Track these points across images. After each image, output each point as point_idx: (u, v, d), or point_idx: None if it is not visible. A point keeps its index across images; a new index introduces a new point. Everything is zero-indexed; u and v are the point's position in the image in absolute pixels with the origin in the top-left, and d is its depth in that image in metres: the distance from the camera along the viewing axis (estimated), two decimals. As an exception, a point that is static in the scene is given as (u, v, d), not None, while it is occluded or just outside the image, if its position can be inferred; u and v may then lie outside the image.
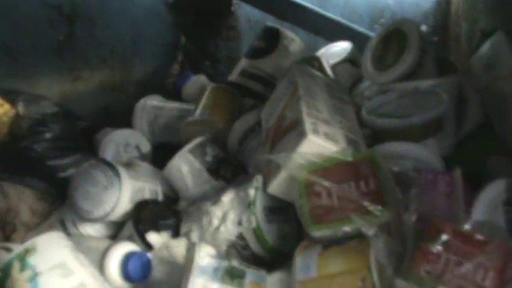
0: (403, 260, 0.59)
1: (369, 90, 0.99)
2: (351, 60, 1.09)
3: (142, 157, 1.04)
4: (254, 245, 0.74)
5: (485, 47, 0.89)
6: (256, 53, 1.04)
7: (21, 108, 0.95)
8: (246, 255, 0.75)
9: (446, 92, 0.82)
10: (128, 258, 0.71)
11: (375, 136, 0.82)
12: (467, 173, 0.78)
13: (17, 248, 0.62)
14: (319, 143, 0.69)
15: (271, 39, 1.03)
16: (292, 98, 0.79)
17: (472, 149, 0.83)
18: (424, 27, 1.00)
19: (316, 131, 0.70)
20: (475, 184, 0.71)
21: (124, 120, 1.17)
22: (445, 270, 0.55)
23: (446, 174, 0.68)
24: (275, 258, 0.75)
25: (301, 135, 0.70)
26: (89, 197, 0.79)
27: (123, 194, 0.79)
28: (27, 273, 0.60)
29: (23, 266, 0.61)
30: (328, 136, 0.71)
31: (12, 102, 0.96)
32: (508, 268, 0.54)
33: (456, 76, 0.87)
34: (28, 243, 0.62)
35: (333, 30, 1.28)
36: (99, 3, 1.21)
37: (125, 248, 0.73)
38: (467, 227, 0.56)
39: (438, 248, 0.56)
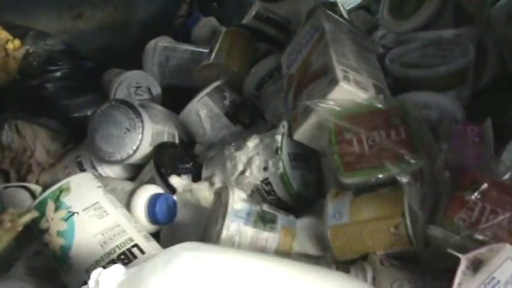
0: (435, 208, 0.61)
1: (385, 39, 0.98)
2: (365, 7, 1.08)
3: (153, 100, 1.02)
4: (279, 191, 0.74)
5: (507, -2, 0.89)
6: (271, -4, 1.02)
7: (29, 44, 0.91)
8: (270, 200, 0.76)
9: (469, 42, 0.82)
10: (154, 200, 0.71)
11: (397, 85, 0.82)
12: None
13: (51, 188, 0.61)
14: (350, 91, 0.69)
15: (287, -18, 1.00)
16: (318, 44, 0.78)
17: (491, 102, 0.83)
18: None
19: (347, 79, 0.70)
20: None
21: (126, 62, 1.14)
22: (480, 218, 0.57)
23: (475, 124, 0.69)
24: (298, 204, 0.76)
25: (332, 82, 0.69)
26: (111, 139, 0.78)
27: (146, 136, 0.78)
28: (62, 213, 0.60)
29: (58, 206, 0.60)
30: (358, 84, 0.70)
31: (20, 37, 0.92)
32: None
33: (476, 27, 0.86)
34: (62, 183, 0.62)
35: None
36: None
37: (150, 190, 0.73)
38: (507, 176, 0.58)
39: (475, 197, 0.57)
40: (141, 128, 0.78)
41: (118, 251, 0.60)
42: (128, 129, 0.77)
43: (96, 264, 0.58)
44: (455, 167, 0.63)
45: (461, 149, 0.66)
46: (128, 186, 0.74)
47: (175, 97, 1.01)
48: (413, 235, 0.60)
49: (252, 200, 0.68)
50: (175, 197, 0.74)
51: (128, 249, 0.60)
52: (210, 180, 0.79)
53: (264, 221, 0.65)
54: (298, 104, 0.73)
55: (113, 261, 0.58)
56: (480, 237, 0.56)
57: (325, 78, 0.72)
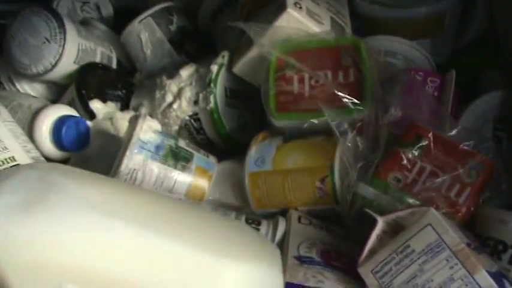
0: (370, 166, 0.52)
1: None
2: None
3: (102, 20, 0.91)
4: (209, 129, 0.65)
5: None
6: None
7: None
8: (200, 139, 0.67)
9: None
10: (62, 122, 0.62)
11: (366, 28, 0.72)
12: (460, 82, 0.70)
13: None
14: (299, 19, 0.59)
15: None
16: (276, -33, 0.67)
17: (470, 59, 0.74)
18: None
19: (298, 6, 0.59)
20: (467, 97, 0.63)
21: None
22: (417, 180, 0.48)
23: (437, 75, 0.59)
24: (231, 148, 0.67)
25: (281, 7, 0.59)
26: (28, 48, 0.68)
27: (67, 49, 0.68)
28: None
29: None
30: (311, 14, 0.60)
31: None
32: (486, 187, 0.47)
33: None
34: None
35: None
36: None
37: (61, 110, 0.64)
38: (453, 133, 0.48)
39: (413, 154, 0.48)
40: (62, 40, 0.67)
41: (-8, 170, 0.51)
42: (48, 40, 0.67)
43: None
44: (406, 121, 0.53)
45: (417, 101, 0.56)
46: (37, 103, 0.65)
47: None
48: (340, 192, 0.51)
49: (167, 134, 0.58)
50: (89, 123, 0.65)
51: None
52: (136, 110, 0.70)
53: (177, 157, 0.56)
54: (240, 26, 0.63)
55: (-16, 181, 0.49)
56: (411, 201, 0.47)
57: (275, 3, 0.61)
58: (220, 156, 0.65)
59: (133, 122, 0.56)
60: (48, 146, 0.62)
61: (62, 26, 0.67)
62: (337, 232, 0.52)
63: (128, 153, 0.53)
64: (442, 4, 0.66)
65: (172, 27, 0.77)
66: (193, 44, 0.78)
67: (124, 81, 0.76)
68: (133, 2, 0.92)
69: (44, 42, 0.67)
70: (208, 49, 0.80)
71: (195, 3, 0.83)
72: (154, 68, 0.77)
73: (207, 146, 0.67)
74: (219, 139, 0.66)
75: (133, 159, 0.54)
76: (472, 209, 0.46)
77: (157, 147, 0.55)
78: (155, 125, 0.57)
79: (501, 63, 0.70)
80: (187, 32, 0.78)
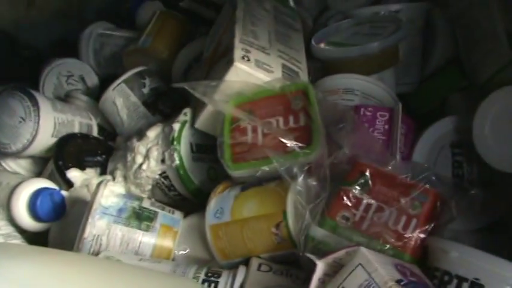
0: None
1: (333, 20, 0.89)
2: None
3: (88, 90, 0.96)
4: (178, 185, 0.66)
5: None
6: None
7: None
8: (172, 196, 0.68)
9: (410, 18, 0.72)
10: (36, 195, 0.64)
11: (325, 69, 0.73)
12: (426, 112, 0.70)
13: None
14: (248, 72, 0.61)
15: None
16: (229, 23, 0.70)
17: (435, 86, 0.74)
18: None
19: (246, 58, 0.61)
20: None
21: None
22: (365, 216, 0.48)
23: (386, 109, 0.59)
24: (202, 201, 0.68)
25: (229, 62, 0.61)
26: (5, 129, 0.72)
27: (42, 125, 0.71)
28: None
29: None
30: (259, 64, 0.62)
31: None
32: (434, 216, 0.46)
33: (425, 3, 0.76)
34: None
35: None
36: None
37: (36, 184, 0.67)
38: (389, 167, 0.48)
39: (357, 191, 0.48)
40: (37, 117, 0.71)
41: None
42: (23, 119, 0.71)
43: None
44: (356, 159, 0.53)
45: (368, 138, 0.57)
46: (15, 180, 0.68)
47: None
48: (296, 236, 0.52)
49: (131, 196, 0.60)
50: (65, 193, 0.67)
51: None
52: (113, 174, 0.72)
53: (139, 218, 0.58)
54: (190, 86, 0.65)
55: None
56: (360, 238, 0.46)
57: (226, 58, 0.64)
58: (198, 210, 0.66)
59: (96, 189, 0.59)
60: (26, 219, 0.65)
61: (35, 104, 0.71)
62: (298, 276, 0.52)
63: (90, 220, 0.55)
64: (393, 37, 0.66)
65: (145, 90, 0.80)
66: (167, 103, 0.80)
67: (104, 147, 0.79)
68: (116, 69, 0.97)
69: (20, 122, 0.71)
70: (182, 106, 0.82)
71: (168, 63, 0.86)
72: (131, 131, 0.80)
73: (181, 201, 0.68)
74: (189, 194, 0.67)
75: (96, 225, 0.56)
76: (421, 240, 0.46)
77: (120, 210, 0.57)
78: (118, 189, 0.59)
79: (465, 86, 0.70)
80: (160, 93, 0.81)
